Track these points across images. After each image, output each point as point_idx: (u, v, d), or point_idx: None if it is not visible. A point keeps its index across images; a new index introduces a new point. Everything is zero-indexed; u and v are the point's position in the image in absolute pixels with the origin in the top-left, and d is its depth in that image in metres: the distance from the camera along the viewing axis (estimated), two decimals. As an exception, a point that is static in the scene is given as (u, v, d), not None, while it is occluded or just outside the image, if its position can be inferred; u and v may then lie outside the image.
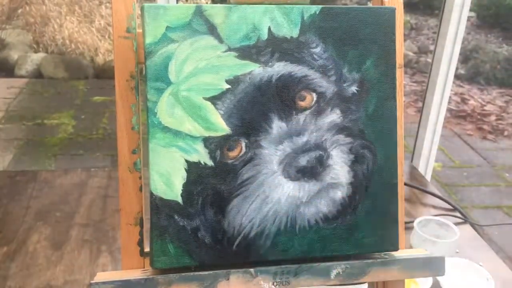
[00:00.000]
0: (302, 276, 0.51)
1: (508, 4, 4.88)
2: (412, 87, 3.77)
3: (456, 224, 0.99)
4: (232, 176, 0.49)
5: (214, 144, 0.49)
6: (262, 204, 0.50)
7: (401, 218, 0.56)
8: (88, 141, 2.68)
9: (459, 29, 1.22)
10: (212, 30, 0.48)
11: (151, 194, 0.48)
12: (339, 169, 0.51)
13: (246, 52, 0.49)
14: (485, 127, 3.25)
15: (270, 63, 0.49)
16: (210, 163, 0.49)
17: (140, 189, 0.51)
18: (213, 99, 0.48)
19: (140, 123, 0.51)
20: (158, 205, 0.48)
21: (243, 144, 0.49)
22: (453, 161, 2.77)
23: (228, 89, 0.49)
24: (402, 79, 0.57)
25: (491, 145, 3.01)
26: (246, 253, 0.50)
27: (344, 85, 0.52)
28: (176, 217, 0.48)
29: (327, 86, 0.51)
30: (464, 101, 3.63)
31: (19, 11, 3.84)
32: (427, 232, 0.91)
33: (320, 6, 0.51)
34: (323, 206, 0.51)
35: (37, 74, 3.51)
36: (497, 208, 2.34)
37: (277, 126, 0.50)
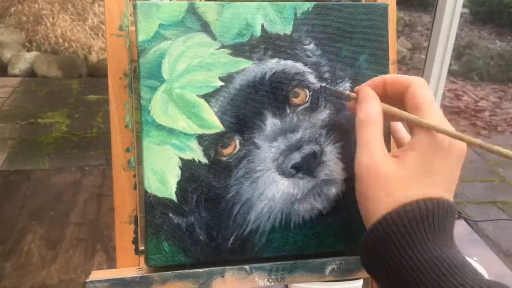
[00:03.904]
0: (297, 272, 0.51)
1: (500, 0, 4.89)
2: (406, 84, 3.77)
3: (450, 219, 0.99)
4: (227, 174, 0.49)
5: (208, 142, 0.48)
6: (257, 201, 0.50)
7: (395, 214, 0.56)
8: (82, 139, 2.67)
9: (452, 26, 1.23)
10: (205, 27, 0.48)
11: (145, 192, 0.48)
12: (333, 166, 0.51)
13: (240, 49, 0.49)
14: (478, 123, 3.27)
15: (263, 60, 0.49)
16: (204, 160, 0.49)
17: (135, 187, 0.51)
18: (207, 97, 0.48)
19: (133, 121, 0.51)
20: (153, 203, 0.48)
21: (237, 142, 0.49)
22: (447, 157, 2.77)
23: (221, 86, 0.48)
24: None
25: (485, 141, 3.01)
26: (241, 250, 0.50)
27: (337, 81, 0.52)
28: (170, 215, 0.48)
29: (321, 83, 0.51)
30: (457, 97, 3.64)
31: (12, 9, 3.82)
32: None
33: (313, 3, 0.51)
34: (318, 203, 0.51)
35: (31, 73, 3.49)
36: (491, 203, 2.36)
37: (271, 123, 0.50)
